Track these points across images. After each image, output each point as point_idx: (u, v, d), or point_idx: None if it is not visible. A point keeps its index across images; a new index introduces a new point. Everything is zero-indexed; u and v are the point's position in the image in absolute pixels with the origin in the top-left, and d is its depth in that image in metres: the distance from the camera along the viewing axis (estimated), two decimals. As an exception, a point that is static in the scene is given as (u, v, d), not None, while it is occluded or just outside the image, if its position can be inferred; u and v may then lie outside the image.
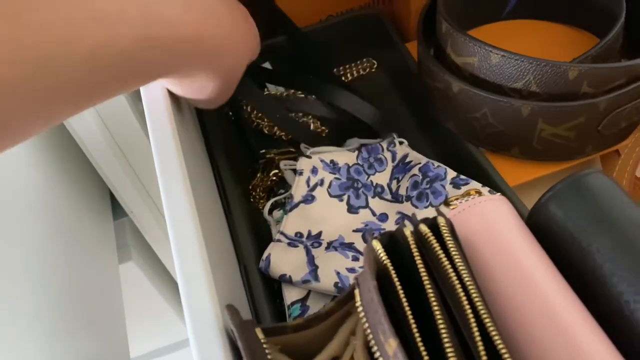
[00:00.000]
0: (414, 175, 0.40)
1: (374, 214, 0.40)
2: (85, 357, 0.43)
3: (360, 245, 0.38)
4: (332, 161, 0.41)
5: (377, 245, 0.24)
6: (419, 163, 0.40)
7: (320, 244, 0.37)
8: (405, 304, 0.22)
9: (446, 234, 0.24)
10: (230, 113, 0.50)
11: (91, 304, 0.47)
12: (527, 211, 0.35)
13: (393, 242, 0.25)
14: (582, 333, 0.23)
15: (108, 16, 0.24)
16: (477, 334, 0.21)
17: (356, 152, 0.42)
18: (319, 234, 0.38)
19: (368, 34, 0.52)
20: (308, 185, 0.40)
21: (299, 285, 0.35)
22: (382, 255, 0.24)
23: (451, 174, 0.39)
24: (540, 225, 0.27)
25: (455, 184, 0.38)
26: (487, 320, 0.21)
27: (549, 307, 0.24)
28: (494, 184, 0.37)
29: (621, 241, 0.24)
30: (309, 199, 0.40)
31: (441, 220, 0.25)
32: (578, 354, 0.22)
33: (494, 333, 0.21)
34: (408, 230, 0.24)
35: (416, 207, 0.38)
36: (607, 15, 0.41)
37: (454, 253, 0.24)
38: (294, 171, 0.42)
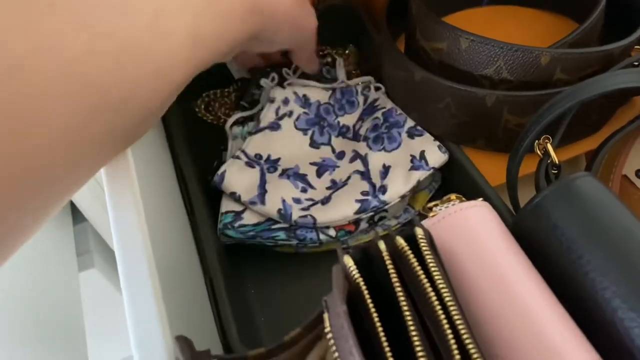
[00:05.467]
0: (376, 118, 0.41)
1: (333, 151, 0.41)
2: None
3: (312, 178, 0.39)
4: (304, 96, 0.43)
5: (349, 261, 0.22)
6: (384, 108, 0.41)
7: (275, 169, 0.39)
8: (380, 330, 0.19)
9: (424, 247, 0.22)
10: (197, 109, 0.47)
11: (48, 316, 0.44)
12: (510, 214, 0.33)
13: (367, 257, 0.23)
14: (568, 345, 0.21)
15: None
16: (457, 357, 0.19)
17: (330, 92, 0.43)
18: (278, 159, 0.40)
19: (343, 27, 0.50)
20: (277, 114, 0.41)
21: (245, 204, 0.37)
22: (355, 273, 0.21)
23: (409, 123, 0.40)
24: (526, 233, 0.25)
25: (410, 134, 0.39)
26: (467, 341, 0.19)
27: (532, 320, 0.22)
28: (477, 185, 0.35)
29: (614, 253, 0.22)
30: (274, 126, 0.41)
31: (419, 232, 0.22)
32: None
33: (475, 356, 0.19)
34: (383, 244, 0.22)
35: (370, 148, 0.40)
36: (588, 1, 0.39)
37: (432, 267, 0.21)
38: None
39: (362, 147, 0.40)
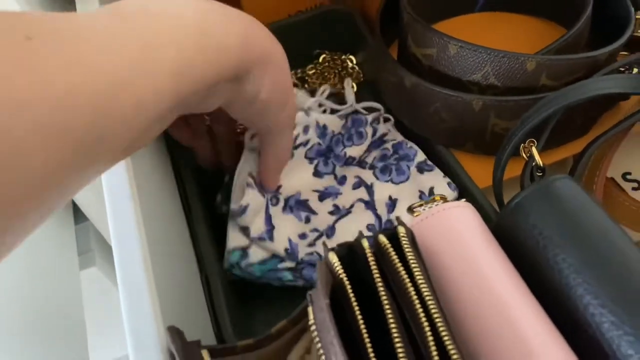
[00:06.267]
0: (386, 149, 0.41)
1: (335, 177, 0.40)
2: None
3: (314, 203, 0.38)
4: (324, 125, 0.41)
5: (333, 258, 0.23)
6: (394, 140, 0.41)
7: (277, 201, 0.37)
8: (361, 322, 0.21)
9: (406, 245, 0.23)
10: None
11: (49, 314, 0.45)
12: (496, 214, 0.34)
13: (351, 253, 0.24)
14: (543, 342, 0.22)
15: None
16: (434, 352, 0.20)
17: (343, 121, 0.42)
18: (279, 187, 0.38)
19: (340, 30, 0.51)
20: (294, 141, 0.39)
21: (254, 240, 0.35)
22: (339, 268, 0.22)
23: (420, 157, 0.40)
24: (507, 232, 0.26)
25: (420, 169, 0.39)
26: (445, 337, 0.20)
27: (510, 317, 0.23)
28: (465, 187, 0.36)
29: (588, 252, 0.23)
30: None
31: (401, 230, 0.23)
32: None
33: (452, 352, 0.20)
34: (366, 242, 0.23)
35: (377, 177, 0.40)
36: (576, 8, 0.40)
37: (413, 265, 0.22)
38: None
39: (368, 175, 0.40)
